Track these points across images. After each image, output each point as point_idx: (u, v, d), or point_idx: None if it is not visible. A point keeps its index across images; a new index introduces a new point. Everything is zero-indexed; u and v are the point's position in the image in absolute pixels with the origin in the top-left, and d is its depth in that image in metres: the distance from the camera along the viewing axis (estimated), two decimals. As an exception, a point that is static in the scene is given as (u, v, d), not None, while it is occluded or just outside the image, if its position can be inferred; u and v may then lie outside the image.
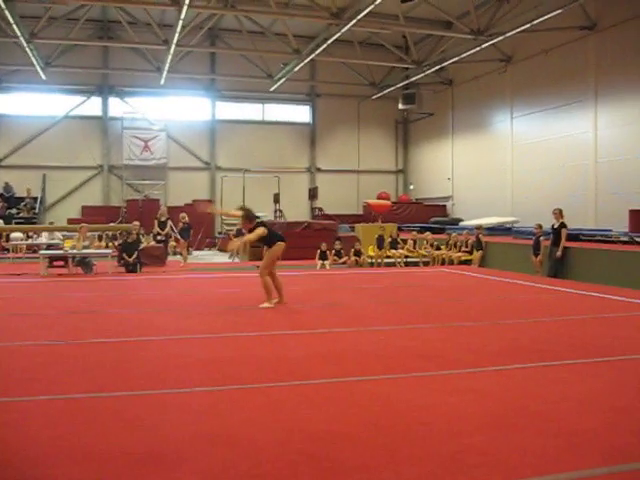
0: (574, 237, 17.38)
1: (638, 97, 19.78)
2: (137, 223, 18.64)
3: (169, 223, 20.19)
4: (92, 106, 30.40)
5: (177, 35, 21.04)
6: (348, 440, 3.95)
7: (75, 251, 16.01)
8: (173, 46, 22.24)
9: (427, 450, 3.81)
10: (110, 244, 22.66)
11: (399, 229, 22.97)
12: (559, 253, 15.61)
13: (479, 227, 20.04)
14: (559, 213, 15.99)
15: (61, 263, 16.43)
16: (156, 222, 20.19)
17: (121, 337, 7.36)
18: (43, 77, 26.70)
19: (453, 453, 3.75)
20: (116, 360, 6.14)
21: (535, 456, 3.70)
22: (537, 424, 4.27)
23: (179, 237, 19.96)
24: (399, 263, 19.97)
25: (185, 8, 18.28)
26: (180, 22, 19.73)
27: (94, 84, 30.13)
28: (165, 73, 26.15)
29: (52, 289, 12.67)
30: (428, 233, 21.90)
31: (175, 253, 22.46)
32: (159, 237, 20.00)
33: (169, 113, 31.22)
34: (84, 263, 15.90)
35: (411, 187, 35.08)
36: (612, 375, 5.64)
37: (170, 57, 23.88)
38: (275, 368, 5.84)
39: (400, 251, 20.39)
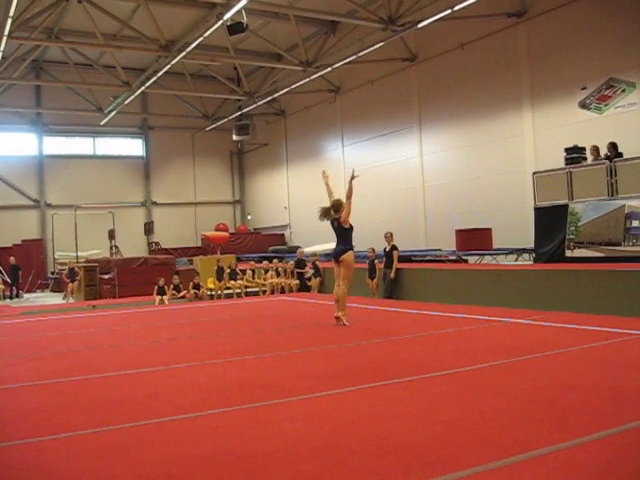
0: (406, 258, 18.10)
1: (457, 124, 21.07)
2: None
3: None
4: None
5: (-3, 67, 20.11)
6: (182, 479, 3.85)
7: None
8: (-7, 79, 21.21)
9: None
10: None
11: (238, 259, 22.96)
12: (392, 274, 16.21)
13: (314, 254, 20.40)
14: (390, 236, 16.63)
15: None
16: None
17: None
18: None
19: (288, 481, 3.75)
20: None
21: (368, 475, 3.76)
22: (370, 443, 4.35)
23: (7, 280, 18.99)
24: (238, 294, 19.93)
25: (4, 39, 17.49)
26: (0, 54, 18.86)
27: None
28: (-15, 107, 24.86)
29: None
30: (276, 260, 21.91)
31: (5, 297, 21.29)
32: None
33: (-8, 149, 29.64)
34: None
35: (249, 217, 35.28)
36: (440, 390, 5.86)
37: (-10, 90, 22.75)
38: (109, 410, 5.60)
39: (239, 282, 20.35)
